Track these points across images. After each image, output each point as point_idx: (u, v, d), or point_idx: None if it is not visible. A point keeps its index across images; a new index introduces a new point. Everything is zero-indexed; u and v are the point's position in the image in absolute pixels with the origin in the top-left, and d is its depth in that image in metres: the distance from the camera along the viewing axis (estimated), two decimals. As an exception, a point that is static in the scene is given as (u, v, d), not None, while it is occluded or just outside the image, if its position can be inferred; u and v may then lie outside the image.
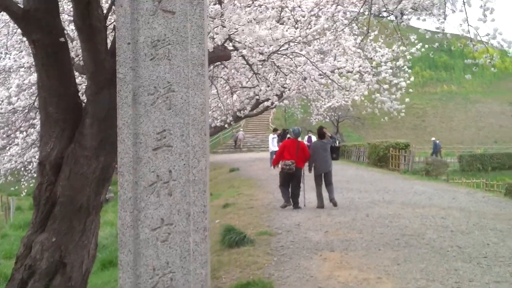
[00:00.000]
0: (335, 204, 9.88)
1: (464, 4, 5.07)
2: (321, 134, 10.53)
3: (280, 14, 8.94)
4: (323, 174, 10.18)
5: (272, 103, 12.90)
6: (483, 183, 21.25)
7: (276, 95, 11.91)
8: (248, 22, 6.79)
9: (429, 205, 10.04)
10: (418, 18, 7.29)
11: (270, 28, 7.67)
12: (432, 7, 7.46)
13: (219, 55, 5.65)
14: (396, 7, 6.62)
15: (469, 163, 27.98)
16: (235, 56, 7.33)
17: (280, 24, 8.93)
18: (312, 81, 8.80)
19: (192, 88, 2.58)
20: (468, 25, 4.93)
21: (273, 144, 20.41)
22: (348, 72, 11.96)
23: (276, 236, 7.50)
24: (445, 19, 5.99)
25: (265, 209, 10.10)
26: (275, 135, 21.27)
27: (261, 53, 7.19)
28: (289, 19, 8.64)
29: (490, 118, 43.86)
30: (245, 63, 7.36)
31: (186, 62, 2.59)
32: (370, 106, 14.28)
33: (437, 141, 31.26)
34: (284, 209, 9.90)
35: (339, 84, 10.06)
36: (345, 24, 9.25)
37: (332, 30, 11.73)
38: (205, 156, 2.57)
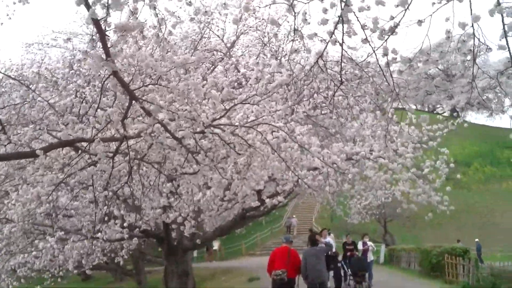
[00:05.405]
0: None
1: None
2: (313, 241, 9.64)
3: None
4: (317, 285, 9.07)
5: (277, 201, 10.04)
6: None
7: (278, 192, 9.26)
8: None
9: None
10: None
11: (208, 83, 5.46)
12: (490, 103, 5.08)
13: None
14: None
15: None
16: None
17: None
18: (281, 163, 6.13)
19: None
20: None
21: None
22: (365, 158, 9.29)
23: None
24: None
25: None
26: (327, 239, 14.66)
27: (193, 119, 4.77)
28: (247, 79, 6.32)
29: None
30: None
31: None
32: (404, 200, 11.29)
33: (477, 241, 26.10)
34: None
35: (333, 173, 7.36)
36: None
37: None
38: None
